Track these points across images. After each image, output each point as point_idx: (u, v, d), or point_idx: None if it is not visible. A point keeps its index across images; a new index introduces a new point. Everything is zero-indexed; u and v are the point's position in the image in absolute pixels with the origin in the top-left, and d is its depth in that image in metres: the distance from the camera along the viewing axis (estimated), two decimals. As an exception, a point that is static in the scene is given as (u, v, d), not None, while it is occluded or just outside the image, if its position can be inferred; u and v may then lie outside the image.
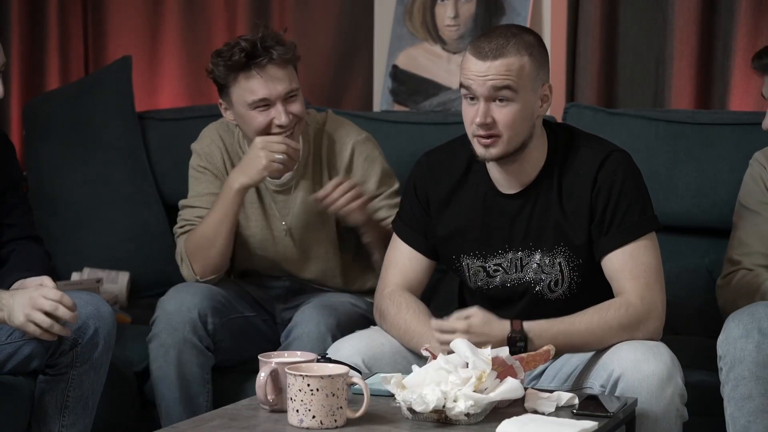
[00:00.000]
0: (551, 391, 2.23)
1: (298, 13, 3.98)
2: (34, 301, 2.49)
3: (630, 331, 2.40)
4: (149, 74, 4.17)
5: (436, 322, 2.38)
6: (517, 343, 2.32)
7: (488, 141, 2.41)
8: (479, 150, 2.43)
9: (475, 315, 2.35)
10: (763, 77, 2.69)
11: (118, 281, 3.50)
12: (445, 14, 3.60)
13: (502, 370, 2.17)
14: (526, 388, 2.20)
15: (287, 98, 2.87)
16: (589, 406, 2.19)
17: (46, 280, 2.60)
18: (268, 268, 3.09)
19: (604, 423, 2.12)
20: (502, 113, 2.39)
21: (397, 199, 2.95)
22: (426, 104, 3.62)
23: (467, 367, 2.14)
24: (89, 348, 2.68)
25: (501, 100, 2.38)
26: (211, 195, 3.00)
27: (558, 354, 2.38)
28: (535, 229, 2.50)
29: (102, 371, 2.74)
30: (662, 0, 3.61)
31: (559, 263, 2.50)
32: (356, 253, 3.10)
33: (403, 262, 2.65)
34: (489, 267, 2.55)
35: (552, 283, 2.50)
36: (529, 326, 2.35)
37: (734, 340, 2.41)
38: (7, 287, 2.69)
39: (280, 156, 2.79)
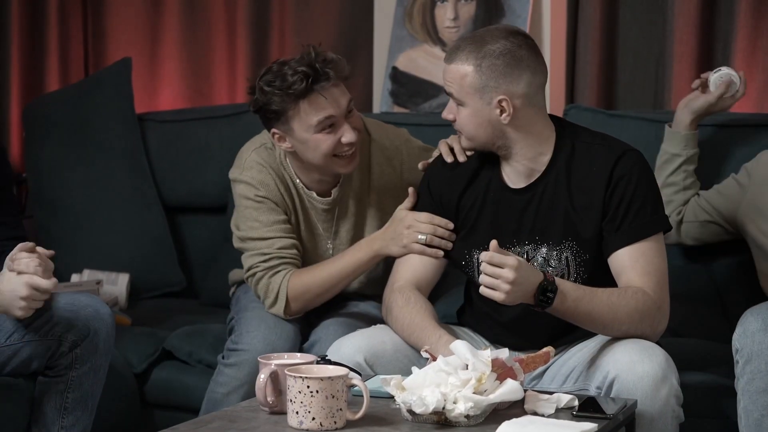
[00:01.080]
0: (551, 393, 2.23)
1: (298, 15, 3.98)
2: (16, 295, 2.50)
3: (642, 319, 2.41)
4: (149, 76, 4.18)
5: (486, 253, 2.32)
6: (547, 293, 2.32)
7: (459, 135, 2.55)
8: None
9: (518, 259, 2.33)
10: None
11: (117, 283, 3.50)
12: (444, 16, 3.60)
13: (501, 372, 2.16)
14: (525, 390, 2.19)
15: (348, 114, 2.76)
16: (588, 408, 2.19)
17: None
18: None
19: (604, 425, 2.12)
20: (458, 114, 2.51)
21: None
22: (426, 106, 3.62)
23: (467, 368, 2.13)
24: (89, 350, 2.68)
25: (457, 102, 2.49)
26: (280, 223, 2.86)
27: (572, 323, 2.42)
28: (542, 223, 2.51)
29: (101, 373, 2.74)
30: (662, 1, 3.60)
31: (566, 257, 2.51)
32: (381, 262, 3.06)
33: (414, 260, 2.66)
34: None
35: (558, 277, 2.47)
36: (559, 281, 2.38)
37: (752, 334, 2.42)
38: None
39: (424, 236, 2.66)
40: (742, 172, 2.94)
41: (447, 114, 2.53)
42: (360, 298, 3.05)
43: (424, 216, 2.67)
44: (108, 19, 4.23)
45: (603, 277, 2.49)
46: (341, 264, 2.82)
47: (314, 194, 2.91)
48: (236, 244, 2.92)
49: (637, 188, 2.46)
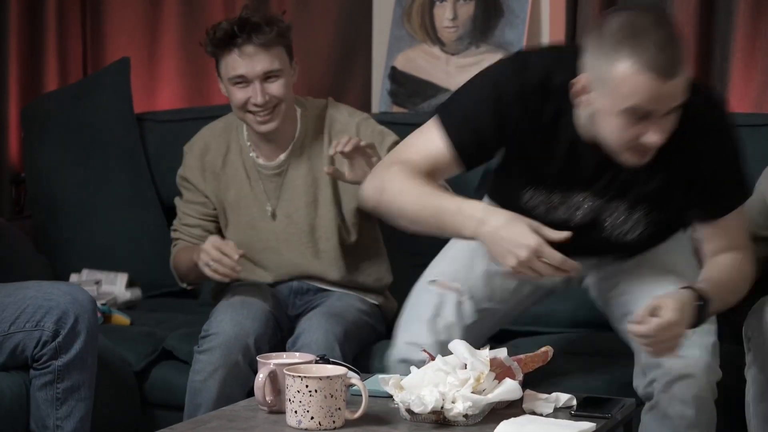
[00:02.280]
0: (549, 393, 2.23)
1: (297, 15, 3.97)
2: None
3: (749, 283, 2.47)
4: (148, 76, 4.18)
5: (644, 328, 2.24)
6: (703, 313, 2.32)
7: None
8: None
9: (672, 309, 2.24)
10: None
11: (116, 282, 3.51)
12: (443, 16, 3.61)
13: (500, 372, 2.17)
14: (524, 390, 2.20)
15: (266, 78, 2.97)
16: (587, 407, 2.20)
17: None
18: (268, 255, 3.11)
19: (602, 424, 2.13)
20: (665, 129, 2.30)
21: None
22: (424, 105, 3.62)
23: (465, 368, 2.14)
24: (71, 338, 2.69)
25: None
26: (194, 204, 3.24)
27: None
28: (620, 182, 2.41)
29: (90, 361, 2.74)
30: (660, 1, 3.61)
31: (637, 217, 2.46)
32: (357, 243, 3.13)
33: (432, 153, 2.46)
34: (554, 201, 2.47)
35: (623, 233, 2.46)
36: (702, 289, 2.33)
37: (766, 323, 2.45)
38: None
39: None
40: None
41: (660, 139, 2.27)
42: (343, 289, 3.09)
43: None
44: (106, 19, 4.23)
45: (667, 234, 2.53)
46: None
47: (261, 160, 3.11)
48: None
49: (733, 157, 2.42)
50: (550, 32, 3.58)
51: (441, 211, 2.34)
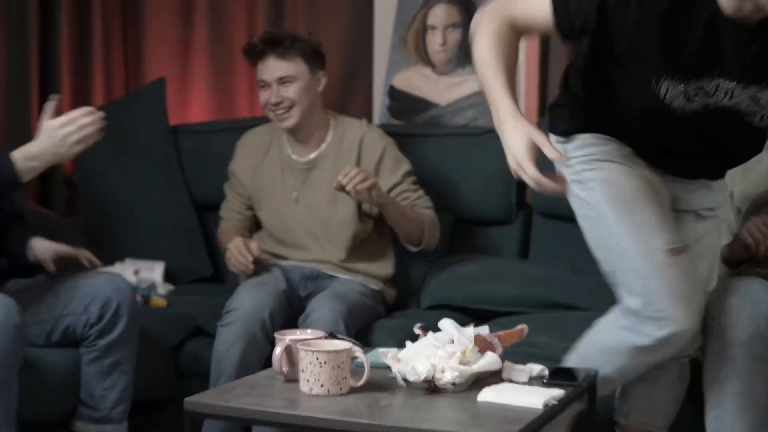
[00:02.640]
0: (525, 364, 2.23)
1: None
2: (55, 133, 2.47)
3: None
4: (181, 92, 4.18)
5: None
6: None
7: None
8: None
9: None
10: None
11: (154, 270, 3.51)
12: (434, 42, 3.61)
13: (482, 346, 2.18)
14: (503, 362, 2.20)
15: (282, 82, 3.08)
16: (557, 377, 2.20)
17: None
18: (294, 234, 3.16)
19: (570, 390, 2.13)
20: None
21: (411, 177, 3.18)
22: (418, 119, 3.63)
23: (453, 343, 2.15)
24: (113, 321, 2.70)
25: None
26: (236, 194, 3.36)
27: None
28: (760, 66, 2.12)
29: (131, 339, 2.75)
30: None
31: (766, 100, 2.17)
32: (367, 240, 3.15)
33: (534, 16, 2.23)
34: (690, 91, 2.17)
35: (763, 116, 2.20)
36: None
37: (731, 305, 2.36)
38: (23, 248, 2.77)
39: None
40: None
41: None
42: (348, 275, 3.10)
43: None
44: (145, 44, 4.23)
45: None
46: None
47: (294, 156, 3.20)
48: None
49: None
50: (527, 54, 3.57)
51: (486, 92, 2.21)
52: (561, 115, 2.43)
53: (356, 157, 3.13)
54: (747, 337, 2.33)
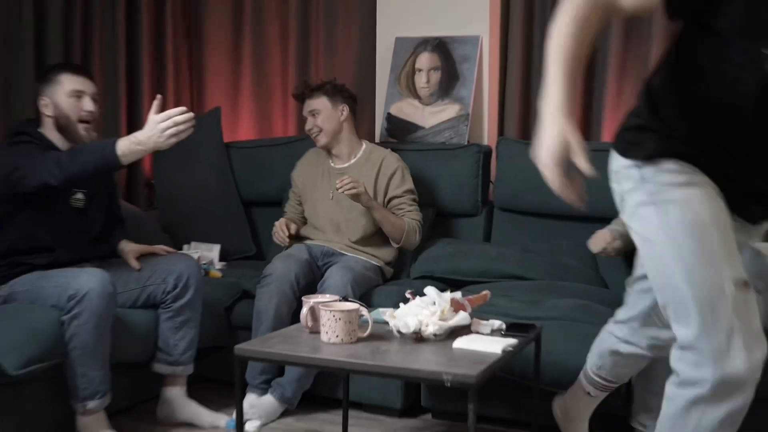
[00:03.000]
0: (488, 320, 2.23)
1: (327, 79, 3.98)
2: (156, 126, 2.38)
3: None
4: (232, 118, 4.17)
5: None
6: None
7: None
8: None
9: None
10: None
11: (213, 250, 3.51)
12: (421, 80, 3.59)
13: (456, 307, 2.19)
14: (472, 318, 2.21)
15: (312, 114, 3.17)
16: (512, 329, 2.20)
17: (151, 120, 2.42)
18: (322, 221, 3.18)
19: (522, 339, 2.14)
20: None
21: (411, 195, 3.16)
22: (408, 137, 3.62)
23: (434, 304, 2.15)
24: (184, 289, 2.71)
25: None
26: (294, 196, 3.37)
27: None
28: None
29: (197, 304, 2.75)
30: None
31: None
32: (377, 233, 3.14)
33: None
34: None
35: None
36: None
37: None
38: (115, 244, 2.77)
39: None
40: None
41: None
42: (354, 253, 3.09)
43: None
44: (205, 82, 4.22)
45: None
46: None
47: (333, 165, 3.22)
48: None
49: None
50: (489, 91, 3.56)
51: (547, 76, 1.55)
52: (641, 138, 1.70)
53: (376, 171, 3.16)
54: None
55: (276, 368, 2.86)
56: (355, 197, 2.95)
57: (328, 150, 3.23)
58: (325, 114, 3.17)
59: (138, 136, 2.42)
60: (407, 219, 3.11)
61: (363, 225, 3.11)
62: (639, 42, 3.38)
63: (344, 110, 3.20)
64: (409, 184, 3.19)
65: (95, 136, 2.68)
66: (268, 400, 2.80)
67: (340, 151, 3.22)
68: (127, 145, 2.42)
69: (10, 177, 2.46)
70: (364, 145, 3.26)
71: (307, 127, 3.19)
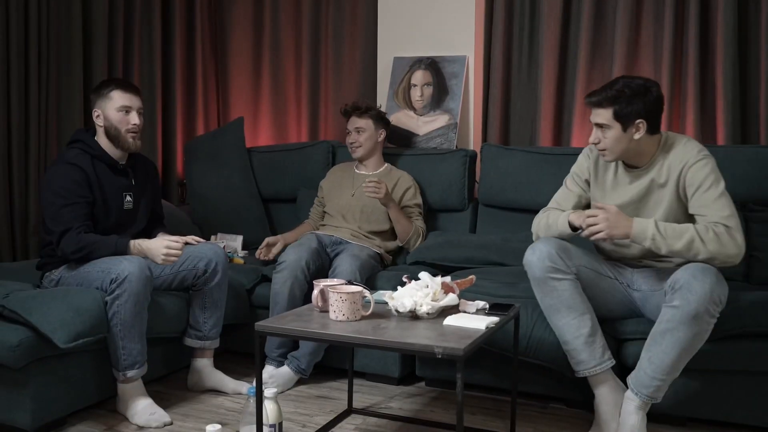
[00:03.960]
0: (473, 301, 2.23)
1: (335, 92, 3.97)
2: (161, 249, 2.49)
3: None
4: (253, 126, 4.17)
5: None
6: None
7: None
8: None
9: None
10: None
11: (236, 240, 3.50)
12: (416, 94, 3.59)
13: (447, 289, 2.17)
14: (459, 299, 2.20)
15: (357, 131, 3.23)
16: (495, 309, 2.19)
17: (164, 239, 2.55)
18: (342, 211, 3.19)
19: (503, 317, 2.13)
20: None
21: (420, 209, 3.21)
22: (405, 143, 3.60)
23: (428, 287, 2.14)
24: (213, 274, 2.69)
25: None
26: (317, 196, 3.36)
27: None
28: None
29: (224, 286, 2.73)
30: (533, 73, 3.56)
31: None
32: (385, 230, 3.15)
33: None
34: None
35: None
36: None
37: (692, 276, 2.06)
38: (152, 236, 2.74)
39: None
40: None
41: None
42: (360, 242, 3.08)
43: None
44: (230, 94, 4.22)
45: None
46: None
47: (362, 172, 3.26)
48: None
49: None
50: (474, 103, 3.55)
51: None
52: None
53: (393, 184, 3.22)
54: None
55: (291, 342, 2.86)
56: (377, 198, 3.01)
57: (359, 161, 3.29)
58: (368, 133, 3.24)
59: (147, 244, 2.50)
60: (416, 224, 3.17)
61: (377, 218, 3.14)
62: (602, 61, 3.39)
63: (382, 134, 3.29)
64: (419, 200, 3.24)
65: (139, 144, 2.66)
66: (285, 371, 2.79)
67: (368, 164, 3.29)
68: (136, 249, 2.51)
69: (45, 210, 2.50)
70: (386, 165, 3.32)
71: (350, 140, 3.24)
